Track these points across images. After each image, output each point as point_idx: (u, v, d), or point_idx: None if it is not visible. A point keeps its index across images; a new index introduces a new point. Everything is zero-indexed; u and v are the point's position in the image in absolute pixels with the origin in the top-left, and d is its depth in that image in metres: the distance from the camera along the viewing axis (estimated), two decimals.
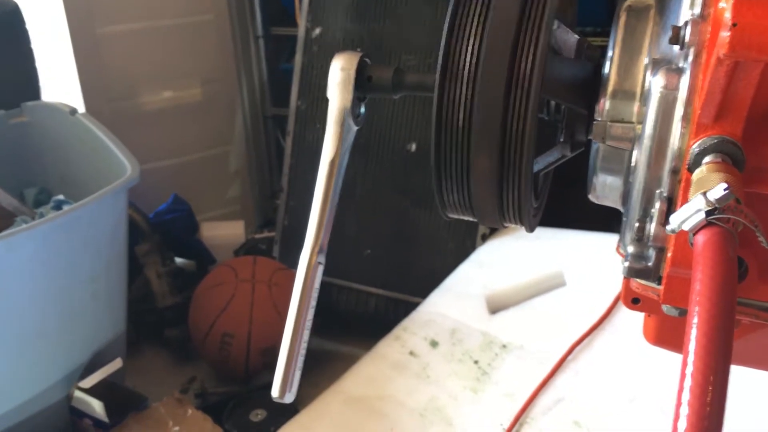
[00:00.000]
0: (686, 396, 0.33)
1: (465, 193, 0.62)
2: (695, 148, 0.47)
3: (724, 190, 0.38)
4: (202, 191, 2.56)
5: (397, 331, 1.72)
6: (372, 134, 2.10)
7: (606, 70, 0.58)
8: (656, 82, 0.51)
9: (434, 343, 1.65)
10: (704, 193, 0.39)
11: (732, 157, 0.45)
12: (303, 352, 0.67)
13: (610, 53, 0.58)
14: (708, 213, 0.39)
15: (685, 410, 0.32)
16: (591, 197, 0.64)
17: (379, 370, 1.62)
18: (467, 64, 0.58)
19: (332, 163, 0.67)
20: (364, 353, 1.69)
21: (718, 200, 0.38)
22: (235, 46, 2.56)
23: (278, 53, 2.65)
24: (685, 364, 0.33)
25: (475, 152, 0.59)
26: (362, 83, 0.66)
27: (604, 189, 0.61)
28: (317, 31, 2.20)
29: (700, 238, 0.38)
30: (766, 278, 0.51)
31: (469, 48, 0.58)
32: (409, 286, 2.08)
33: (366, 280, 2.15)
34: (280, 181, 2.33)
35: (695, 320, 0.34)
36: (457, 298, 1.79)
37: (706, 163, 0.45)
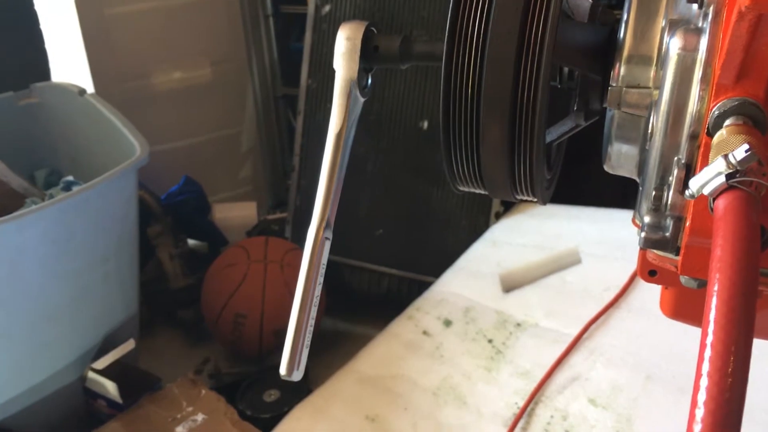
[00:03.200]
0: (706, 367, 0.31)
1: (475, 164, 0.60)
2: (715, 110, 0.44)
3: (746, 151, 0.36)
4: (213, 172, 2.55)
5: (410, 310, 1.71)
6: (384, 112, 2.08)
7: (621, 34, 0.56)
8: (674, 44, 0.48)
9: (448, 323, 1.64)
10: (725, 156, 0.37)
11: (754, 120, 0.43)
12: (311, 329, 0.65)
13: (625, 16, 0.56)
14: (729, 176, 0.37)
15: (705, 382, 0.31)
16: (606, 167, 0.62)
17: (392, 350, 1.61)
18: (476, 31, 0.56)
19: (338, 135, 0.65)
20: (377, 333, 1.68)
21: (740, 162, 0.36)
22: (245, 25, 2.54)
23: (288, 32, 2.63)
24: (705, 334, 0.31)
25: (485, 122, 0.57)
26: (368, 53, 0.64)
27: (620, 158, 0.59)
28: (327, 8, 2.17)
29: (721, 203, 0.36)
30: None
31: (478, 15, 0.56)
32: (422, 266, 2.07)
33: (379, 259, 2.14)
34: (291, 161, 2.31)
35: (716, 288, 0.32)
36: (470, 277, 1.77)
37: (727, 126, 0.43)
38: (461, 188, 0.65)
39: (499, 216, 1.98)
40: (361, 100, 0.66)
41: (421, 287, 1.91)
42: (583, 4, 0.64)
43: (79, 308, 1.63)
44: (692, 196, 0.39)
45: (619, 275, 1.56)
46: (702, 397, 0.31)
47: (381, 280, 2.13)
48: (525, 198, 0.65)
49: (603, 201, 1.83)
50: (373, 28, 0.65)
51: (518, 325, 1.57)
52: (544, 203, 0.65)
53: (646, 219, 0.51)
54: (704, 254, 0.46)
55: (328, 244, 0.66)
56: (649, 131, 0.52)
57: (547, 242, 1.77)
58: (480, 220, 2.00)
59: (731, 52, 0.42)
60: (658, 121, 0.50)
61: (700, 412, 0.30)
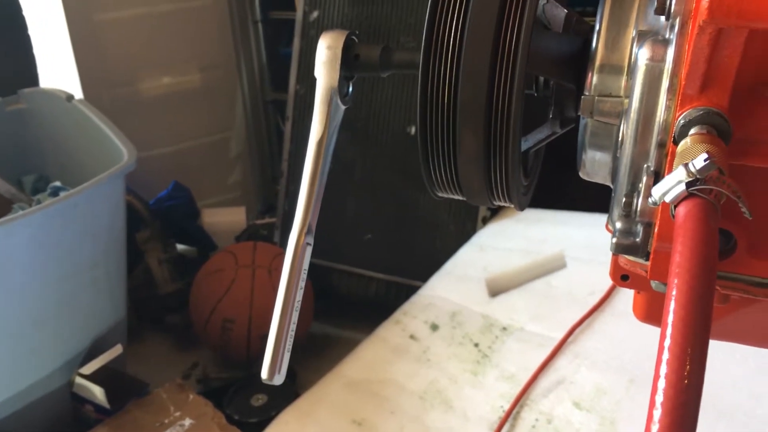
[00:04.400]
0: (664, 369, 0.32)
1: (452, 171, 0.61)
2: (681, 120, 0.46)
3: (705, 160, 0.37)
4: (203, 177, 2.56)
5: (398, 315, 1.72)
6: (371, 117, 2.09)
7: (594, 43, 0.57)
8: (642, 54, 0.50)
9: (434, 327, 1.65)
10: (686, 164, 0.38)
11: (718, 129, 0.44)
12: (292, 333, 0.66)
13: (597, 27, 0.57)
14: (689, 184, 0.38)
15: (662, 384, 0.32)
16: (581, 174, 0.63)
17: (380, 354, 1.61)
18: (452, 40, 0.57)
19: (320, 142, 0.66)
20: (365, 338, 1.68)
21: (699, 171, 0.37)
22: (234, 31, 2.55)
23: (278, 37, 2.64)
24: (663, 336, 0.32)
25: (461, 130, 0.58)
26: (349, 62, 0.65)
27: (594, 165, 0.60)
28: (315, 14, 2.18)
29: (681, 210, 0.37)
30: (756, 252, 0.50)
31: (454, 24, 0.58)
32: (410, 270, 2.08)
33: (366, 264, 2.15)
34: (280, 166, 2.32)
35: (674, 292, 0.34)
36: (457, 282, 1.78)
37: (691, 135, 0.44)
38: (440, 194, 0.66)
39: (486, 221, 1.99)
40: (342, 107, 0.67)
41: (409, 291, 1.92)
42: (559, 15, 0.65)
43: (67, 313, 1.63)
44: (655, 203, 0.40)
45: (604, 279, 1.56)
46: (659, 398, 0.32)
47: (369, 285, 2.14)
48: (502, 204, 0.66)
49: (590, 206, 1.85)
50: (353, 37, 0.66)
51: (504, 329, 1.59)
52: (522, 209, 0.67)
53: (618, 225, 0.52)
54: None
55: (309, 250, 0.67)
56: (620, 139, 0.53)
57: (533, 247, 1.78)
58: (467, 225, 2.01)
59: (695, 64, 0.43)
60: (628, 129, 0.52)
61: (657, 413, 0.31)
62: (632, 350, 1.40)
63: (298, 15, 2.21)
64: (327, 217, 2.12)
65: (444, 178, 0.62)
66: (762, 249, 0.50)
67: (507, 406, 1.38)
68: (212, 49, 2.52)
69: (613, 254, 0.56)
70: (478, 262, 1.81)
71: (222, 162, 2.66)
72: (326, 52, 0.65)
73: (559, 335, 1.48)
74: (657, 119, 0.49)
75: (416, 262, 2.07)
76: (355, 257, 2.15)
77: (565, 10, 0.66)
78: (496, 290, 1.70)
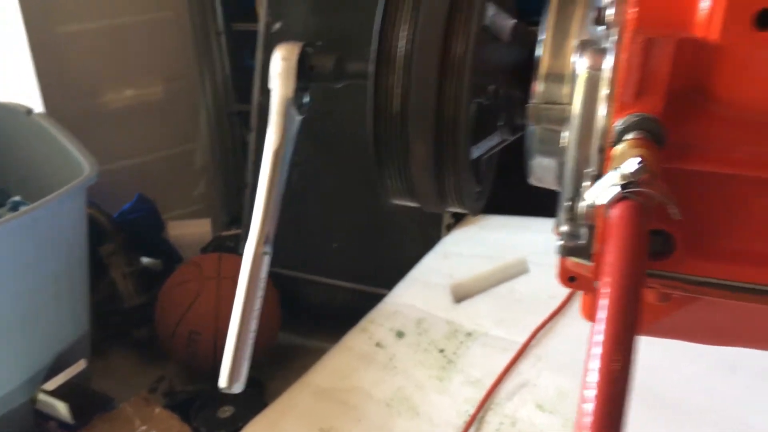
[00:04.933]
0: (595, 363, 0.33)
1: (405, 179, 0.63)
2: (618, 125, 0.47)
3: (638, 164, 0.39)
4: (168, 190, 2.54)
5: (364, 323, 1.73)
6: (336, 127, 2.10)
7: (539, 53, 0.59)
8: (581, 63, 0.52)
9: (400, 334, 1.66)
10: (618, 168, 0.40)
11: (653, 134, 0.46)
12: (251, 342, 0.67)
13: (542, 36, 0.59)
14: (622, 187, 0.39)
15: (593, 377, 0.33)
16: (531, 180, 0.65)
17: (347, 363, 1.62)
18: (401, 51, 0.59)
19: (276, 153, 0.67)
20: (332, 347, 1.69)
21: (631, 174, 0.39)
22: (196, 42, 2.54)
23: (241, 49, 2.64)
24: (593, 332, 0.34)
25: (411, 139, 0.59)
26: (304, 72, 0.67)
27: (542, 171, 0.62)
28: (278, 25, 2.19)
29: (613, 212, 0.39)
30: (693, 252, 0.52)
31: (403, 35, 0.59)
32: (377, 278, 2.09)
33: (334, 273, 2.15)
34: (245, 178, 2.32)
35: (604, 290, 0.35)
36: (422, 289, 1.80)
37: (627, 140, 0.46)
38: (394, 201, 0.67)
39: (450, 228, 2.01)
40: (298, 118, 0.68)
41: (376, 300, 1.93)
42: (507, 25, 0.67)
43: (29, 328, 1.61)
44: (589, 206, 0.42)
45: None
46: (590, 392, 0.33)
47: (336, 294, 2.15)
48: (455, 210, 0.67)
49: (553, 211, 1.88)
50: (308, 48, 0.67)
51: (469, 334, 1.60)
52: (475, 214, 0.68)
53: (563, 228, 0.54)
54: None
55: (267, 259, 0.68)
56: (564, 145, 0.55)
57: (497, 253, 1.80)
58: (432, 233, 2.03)
59: (629, 71, 0.45)
60: (571, 135, 0.53)
61: (588, 406, 0.33)
62: None
63: (261, 26, 2.21)
64: (293, 227, 2.12)
65: (397, 185, 0.64)
66: (700, 248, 0.52)
67: (472, 411, 1.39)
68: (175, 61, 2.51)
69: (560, 257, 0.58)
70: (443, 269, 1.83)
71: (186, 174, 2.65)
72: (281, 64, 0.66)
73: (523, 339, 1.50)
74: (597, 125, 0.51)
75: (382, 271, 2.08)
76: (322, 266, 2.16)
77: (514, 21, 0.67)
78: (460, 296, 1.72)
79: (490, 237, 1.90)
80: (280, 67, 0.66)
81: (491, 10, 0.66)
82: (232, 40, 2.61)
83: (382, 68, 0.59)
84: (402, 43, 0.59)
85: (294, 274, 2.14)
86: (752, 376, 1.25)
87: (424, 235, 2.04)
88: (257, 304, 0.68)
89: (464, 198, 0.63)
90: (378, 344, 1.65)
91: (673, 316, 0.57)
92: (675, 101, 0.47)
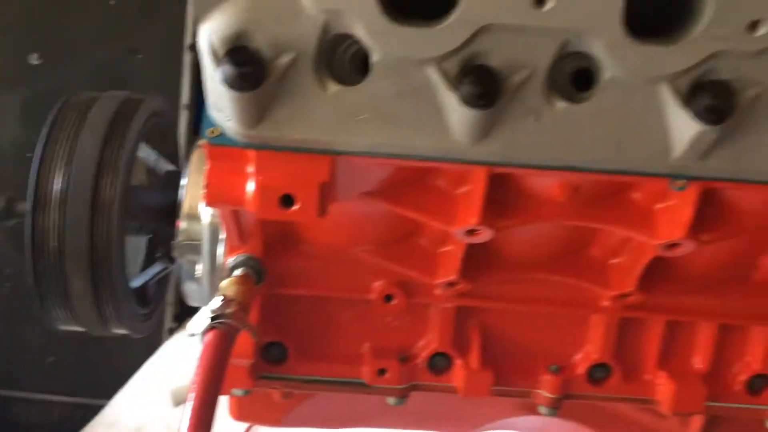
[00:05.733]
0: None
1: (67, 309, 0.70)
2: (229, 263, 0.60)
3: (221, 300, 0.51)
4: None
5: None
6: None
7: (181, 195, 0.70)
8: (204, 210, 0.64)
9: None
10: (210, 304, 0.52)
11: (254, 270, 0.59)
12: None
13: (184, 182, 0.71)
14: (211, 319, 0.51)
15: None
16: (189, 302, 0.76)
17: None
18: (56, 194, 0.67)
19: None
20: None
21: (215, 309, 0.51)
22: None
23: None
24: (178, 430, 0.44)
25: (69, 275, 0.67)
26: None
27: (193, 295, 0.73)
28: None
29: (205, 338, 0.50)
30: (302, 357, 0.65)
31: (59, 175, 0.67)
32: (98, 389, 2.04)
33: (51, 388, 2.07)
34: None
35: (189, 401, 0.46)
36: (143, 396, 1.80)
37: (234, 276, 0.58)
38: (61, 327, 0.74)
39: (172, 332, 2.04)
40: None
41: (96, 412, 1.88)
42: (163, 169, 0.78)
43: None
44: (193, 335, 0.53)
45: None
46: None
47: (52, 409, 2.05)
48: (121, 332, 0.75)
49: None
50: None
51: None
52: (142, 335, 0.77)
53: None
54: (232, 370, 0.60)
55: None
56: (199, 276, 0.66)
57: None
58: (153, 339, 2.04)
59: (228, 228, 0.58)
60: (203, 269, 0.65)
61: None
62: None
63: None
64: (4, 344, 2.00)
65: (61, 314, 0.71)
66: (308, 354, 0.65)
67: None
68: None
69: None
70: (164, 374, 1.85)
71: None
72: None
73: None
74: (218, 262, 0.63)
75: (105, 380, 2.03)
76: (36, 382, 2.06)
77: (173, 167, 0.79)
78: (181, 400, 1.75)
79: None
80: None
81: (150, 155, 0.77)
82: None
83: (38, 210, 0.66)
84: (57, 186, 0.67)
85: (4, 393, 2.02)
86: None
87: (146, 341, 2.05)
88: None
89: (124, 323, 0.71)
90: None
91: (298, 410, 0.70)
92: (273, 244, 0.61)
